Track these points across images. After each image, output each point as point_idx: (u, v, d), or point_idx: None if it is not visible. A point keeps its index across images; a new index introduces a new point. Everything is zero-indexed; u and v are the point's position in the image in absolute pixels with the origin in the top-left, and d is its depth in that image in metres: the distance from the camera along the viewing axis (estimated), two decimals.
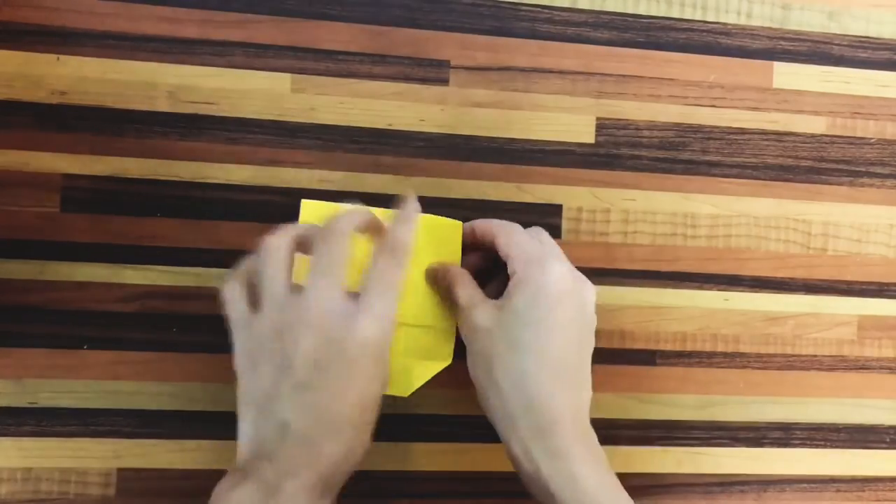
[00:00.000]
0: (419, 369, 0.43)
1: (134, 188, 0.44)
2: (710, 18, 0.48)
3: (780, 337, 0.49)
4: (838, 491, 0.49)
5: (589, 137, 0.47)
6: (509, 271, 0.40)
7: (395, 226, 0.39)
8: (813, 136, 0.49)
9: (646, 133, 0.48)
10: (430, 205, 0.45)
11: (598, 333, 0.42)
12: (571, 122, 0.47)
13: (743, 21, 0.49)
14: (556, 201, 0.47)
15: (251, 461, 0.36)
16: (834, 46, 0.50)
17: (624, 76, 0.48)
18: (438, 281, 0.42)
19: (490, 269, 0.44)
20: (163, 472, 0.44)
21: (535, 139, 0.47)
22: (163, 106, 0.44)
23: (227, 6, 0.44)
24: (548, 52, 0.47)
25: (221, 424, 0.44)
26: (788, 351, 0.49)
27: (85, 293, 0.43)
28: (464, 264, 0.43)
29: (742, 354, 0.49)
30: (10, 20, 0.43)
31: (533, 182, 0.47)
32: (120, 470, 0.43)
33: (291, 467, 0.35)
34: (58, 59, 0.43)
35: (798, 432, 0.49)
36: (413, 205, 0.40)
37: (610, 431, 0.41)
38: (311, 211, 0.42)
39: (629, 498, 0.39)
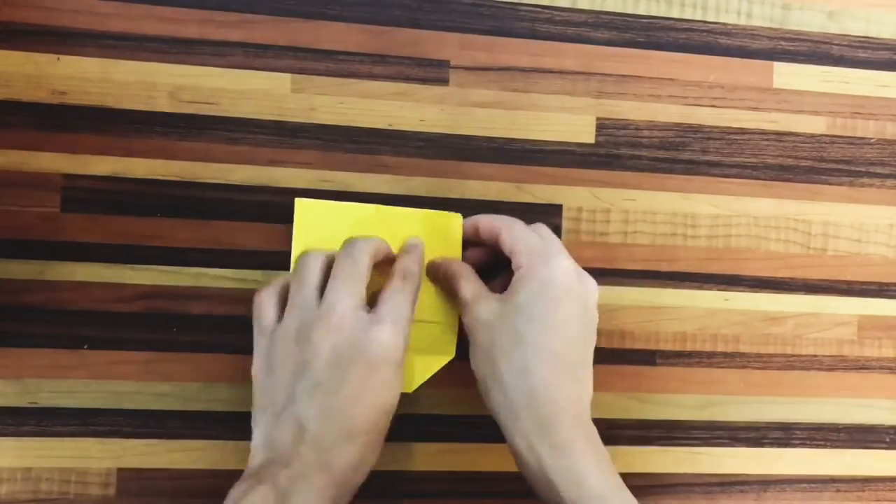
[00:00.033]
0: (422, 365, 0.43)
1: (134, 188, 0.44)
2: (710, 18, 0.48)
3: (780, 337, 0.49)
4: (838, 491, 0.49)
5: (589, 137, 0.47)
6: (513, 266, 0.41)
7: (403, 256, 0.41)
8: (813, 136, 0.49)
9: (646, 133, 0.48)
10: (430, 205, 0.45)
11: (598, 333, 0.42)
12: (571, 122, 0.47)
13: (743, 21, 0.49)
14: (556, 201, 0.47)
15: (265, 466, 0.36)
16: (834, 46, 0.50)
17: (624, 76, 0.48)
18: (441, 276, 0.42)
19: (492, 265, 0.44)
20: (163, 472, 0.43)
21: (535, 139, 0.47)
22: (163, 106, 0.44)
23: (227, 6, 0.44)
24: (548, 52, 0.47)
25: (222, 424, 0.44)
26: (788, 351, 0.49)
27: (85, 293, 0.43)
28: (466, 259, 0.44)
29: (742, 354, 0.49)
30: (10, 20, 0.43)
31: (533, 182, 0.47)
32: (120, 470, 0.43)
33: (305, 473, 0.36)
34: (58, 59, 0.43)
35: (798, 432, 0.49)
36: (416, 240, 0.42)
37: (610, 431, 0.41)
38: (305, 209, 0.42)
39: (631, 495, 0.39)
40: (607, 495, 0.38)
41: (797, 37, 0.49)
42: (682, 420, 0.48)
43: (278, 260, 0.43)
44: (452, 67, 0.46)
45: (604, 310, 0.42)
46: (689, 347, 0.48)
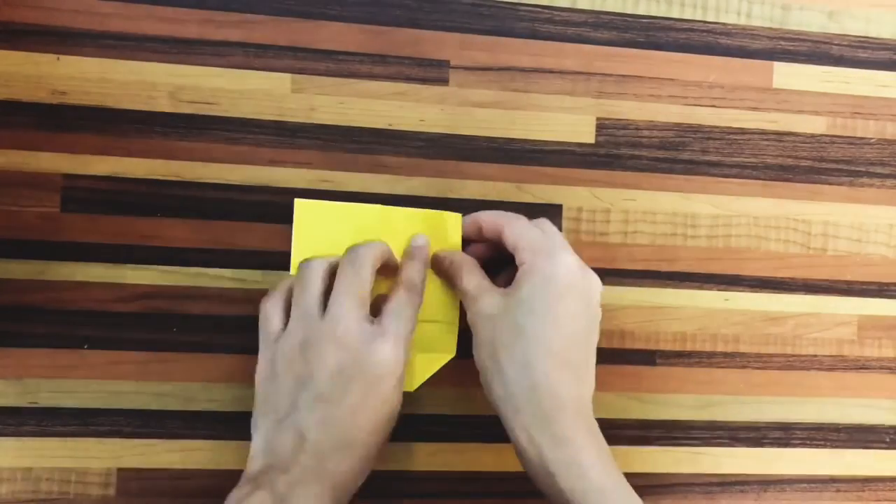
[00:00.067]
0: (423, 364, 0.43)
1: (134, 188, 0.44)
2: (710, 18, 0.48)
3: (780, 337, 0.49)
4: (838, 491, 0.49)
5: (589, 137, 0.47)
6: (517, 262, 0.41)
7: (407, 264, 0.41)
8: (813, 136, 0.49)
9: (646, 133, 0.48)
10: (430, 205, 0.45)
11: (598, 333, 0.42)
12: (571, 122, 0.47)
13: (743, 21, 0.49)
14: (556, 201, 0.47)
15: (263, 472, 0.37)
16: (834, 46, 0.50)
17: (624, 76, 0.48)
18: (445, 268, 0.43)
19: (496, 260, 0.44)
20: (163, 472, 0.43)
21: (535, 139, 0.47)
22: (163, 106, 0.44)
23: (227, 6, 0.44)
24: (548, 52, 0.47)
25: (222, 424, 0.44)
26: (788, 351, 0.49)
27: (85, 293, 0.43)
28: (469, 254, 0.43)
29: (742, 354, 0.49)
30: (10, 20, 0.43)
31: (533, 182, 0.47)
32: (120, 470, 0.43)
33: (303, 480, 0.36)
34: (58, 59, 0.43)
35: (798, 432, 0.49)
36: (421, 241, 0.42)
37: (610, 431, 0.41)
38: (305, 210, 0.42)
39: (632, 489, 0.39)
40: (608, 489, 0.38)
41: (797, 37, 0.49)
42: (681, 420, 0.48)
43: (278, 260, 0.43)
44: (452, 67, 0.46)
45: (604, 310, 0.42)
46: (689, 347, 0.48)
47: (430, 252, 0.43)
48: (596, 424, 0.40)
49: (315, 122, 0.45)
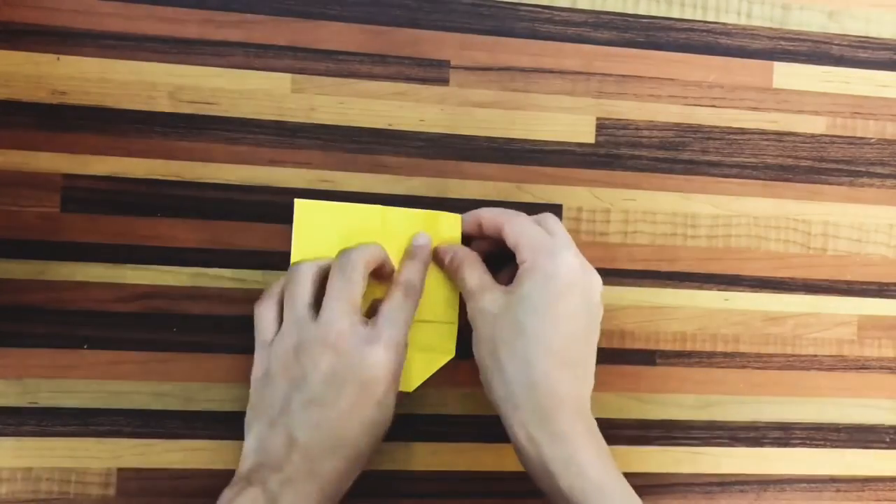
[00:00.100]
0: (422, 364, 0.43)
1: (134, 188, 0.44)
2: (710, 18, 0.48)
3: (780, 337, 0.49)
4: (838, 491, 0.49)
5: (589, 137, 0.47)
6: (518, 259, 0.41)
7: (407, 264, 0.41)
8: (813, 136, 0.49)
9: (646, 133, 0.48)
10: (430, 205, 0.45)
11: (599, 330, 0.42)
12: (571, 122, 0.47)
13: (743, 21, 0.49)
14: (556, 201, 0.47)
15: (255, 470, 0.37)
16: (834, 46, 0.50)
17: (624, 76, 0.48)
18: (447, 263, 0.42)
19: (495, 255, 0.44)
20: (163, 472, 0.44)
21: (535, 139, 0.47)
22: (163, 106, 0.44)
23: (227, 6, 0.44)
24: (548, 52, 0.47)
25: (221, 424, 0.44)
26: (788, 351, 0.49)
27: (85, 293, 0.43)
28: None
29: (742, 354, 0.49)
30: (10, 20, 0.43)
31: (533, 182, 0.47)
32: (120, 470, 0.43)
33: (294, 479, 0.37)
34: (58, 59, 0.43)
35: (798, 432, 0.49)
36: (423, 241, 0.42)
37: (609, 431, 0.41)
38: (305, 210, 0.42)
39: (630, 487, 0.39)
40: (606, 486, 0.38)
41: (797, 37, 0.49)
42: (681, 420, 0.48)
43: (278, 260, 0.43)
44: (452, 67, 0.46)
45: (604, 310, 0.42)
46: (688, 347, 0.48)
47: (431, 251, 0.43)
48: (594, 422, 0.40)
49: (315, 122, 0.45)
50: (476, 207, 0.45)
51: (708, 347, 0.48)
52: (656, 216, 0.48)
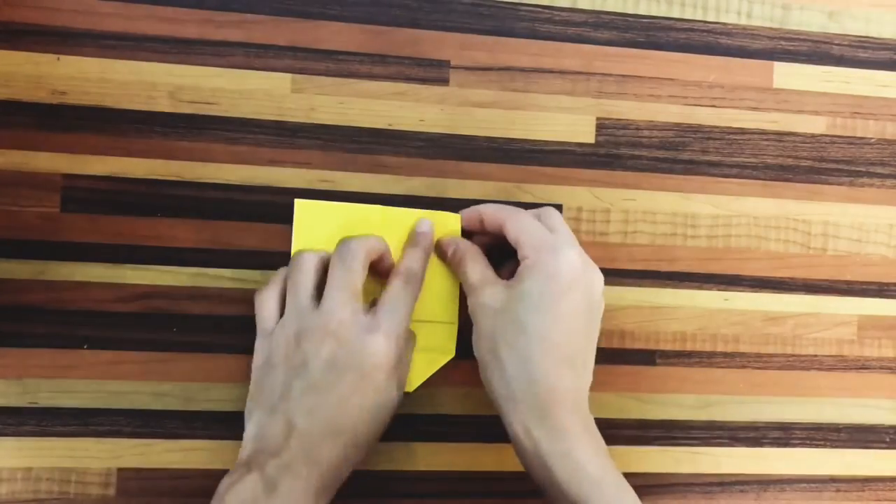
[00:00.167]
0: (422, 364, 0.43)
1: (134, 188, 0.44)
2: (710, 18, 0.48)
3: (780, 337, 0.49)
4: (838, 491, 0.49)
5: (589, 137, 0.47)
6: (519, 256, 0.41)
7: (409, 252, 0.42)
8: (813, 136, 0.49)
9: (646, 133, 0.48)
10: (430, 205, 0.45)
11: (600, 326, 0.42)
12: (571, 122, 0.47)
13: (743, 21, 0.49)
14: (556, 201, 0.47)
15: (254, 456, 0.37)
16: (834, 46, 0.50)
17: (624, 76, 0.48)
18: (450, 255, 0.43)
19: (496, 249, 0.44)
20: (162, 471, 0.44)
21: (535, 139, 0.47)
22: (163, 106, 0.44)
23: (227, 6, 0.44)
24: (548, 52, 0.47)
25: (221, 424, 0.44)
26: (788, 351, 0.49)
27: (85, 293, 0.43)
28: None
29: (742, 354, 0.49)
30: (10, 20, 0.43)
31: (533, 182, 0.47)
32: (120, 470, 0.43)
33: (293, 464, 0.37)
34: (58, 59, 0.43)
35: (798, 432, 0.49)
36: (425, 227, 0.42)
37: (609, 431, 0.41)
38: (305, 210, 0.42)
39: (627, 483, 0.39)
40: (603, 480, 0.38)
41: (797, 37, 0.49)
42: (681, 420, 0.48)
43: (278, 260, 0.43)
44: (452, 67, 0.46)
45: (604, 310, 0.42)
46: (688, 347, 0.48)
47: (433, 240, 0.43)
48: (592, 419, 0.40)
49: (315, 122, 0.45)
50: None
51: (708, 347, 0.48)
52: (656, 216, 0.48)
